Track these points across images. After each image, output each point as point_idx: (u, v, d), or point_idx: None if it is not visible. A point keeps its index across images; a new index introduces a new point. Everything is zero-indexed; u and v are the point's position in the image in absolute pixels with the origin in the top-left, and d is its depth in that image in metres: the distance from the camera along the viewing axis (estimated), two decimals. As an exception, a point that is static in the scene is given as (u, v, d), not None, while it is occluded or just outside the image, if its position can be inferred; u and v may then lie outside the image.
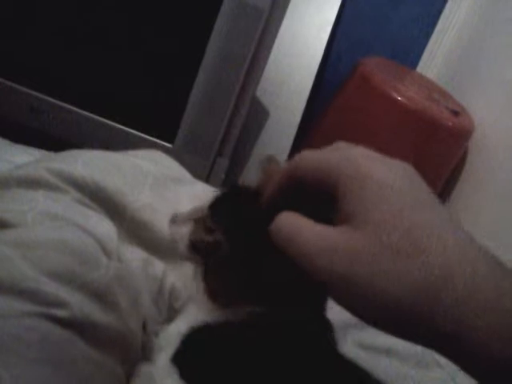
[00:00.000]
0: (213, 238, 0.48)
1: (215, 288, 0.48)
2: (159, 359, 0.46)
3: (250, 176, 1.61)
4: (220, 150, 1.27)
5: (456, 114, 1.57)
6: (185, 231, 0.50)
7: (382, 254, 0.29)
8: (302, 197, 0.36)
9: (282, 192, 0.39)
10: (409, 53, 1.97)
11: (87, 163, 0.61)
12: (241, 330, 0.45)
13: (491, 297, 0.27)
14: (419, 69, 1.97)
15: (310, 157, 0.36)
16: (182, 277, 0.63)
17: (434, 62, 1.95)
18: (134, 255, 0.59)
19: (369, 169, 0.32)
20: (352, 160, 0.33)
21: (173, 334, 0.48)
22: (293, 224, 0.34)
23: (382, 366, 0.68)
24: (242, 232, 0.46)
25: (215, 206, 0.49)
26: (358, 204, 0.31)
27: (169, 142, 1.22)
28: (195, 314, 0.48)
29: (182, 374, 0.43)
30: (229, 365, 0.43)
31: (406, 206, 0.31)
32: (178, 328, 0.48)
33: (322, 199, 0.34)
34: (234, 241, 0.46)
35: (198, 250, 0.49)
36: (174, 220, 0.52)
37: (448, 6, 1.89)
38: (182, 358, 0.45)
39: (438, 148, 1.58)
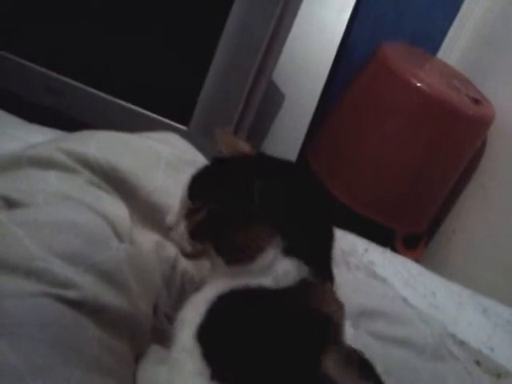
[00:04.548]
0: (200, 216, 0.49)
1: (232, 249, 0.49)
2: (179, 339, 0.45)
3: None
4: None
5: (476, 102, 1.54)
6: (181, 230, 0.50)
7: None
8: None
9: None
10: (430, 37, 1.92)
11: (101, 144, 0.61)
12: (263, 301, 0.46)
13: None
14: (440, 54, 1.93)
15: None
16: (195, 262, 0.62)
17: (455, 48, 1.91)
18: (147, 238, 0.59)
19: None
20: None
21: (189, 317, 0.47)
22: None
23: (395, 356, 0.67)
24: (218, 196, 0.49)
25: (192, 193, 0.51)
26: None
27: (184, 125, 1.21)
28: (216, 286, 0.48)
29: (205, 353, 0.42)
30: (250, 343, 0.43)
31: None
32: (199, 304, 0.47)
33: None
34: (214, 205, 0.49)
35: (198, 236, 0.50)
36: (170, 227, 0.52)
37: (472, -10, 1.84)
38: (206, 333, 0.43)
39: (456, 136, 1.54)
